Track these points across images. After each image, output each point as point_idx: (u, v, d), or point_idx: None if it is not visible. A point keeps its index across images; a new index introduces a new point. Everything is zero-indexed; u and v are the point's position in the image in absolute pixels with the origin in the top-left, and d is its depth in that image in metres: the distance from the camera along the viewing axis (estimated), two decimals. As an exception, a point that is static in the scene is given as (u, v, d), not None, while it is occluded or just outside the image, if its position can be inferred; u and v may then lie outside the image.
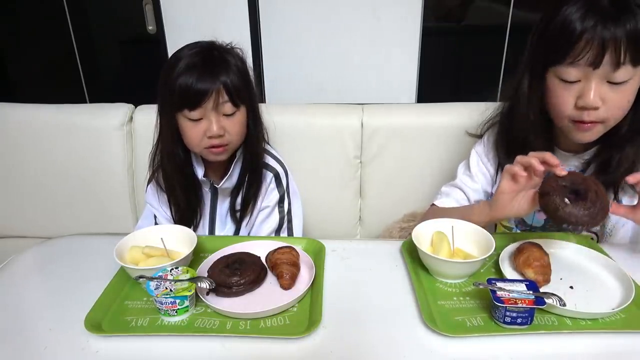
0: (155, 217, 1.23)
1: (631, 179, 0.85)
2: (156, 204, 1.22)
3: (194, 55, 1.07)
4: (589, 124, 0.93)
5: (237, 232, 1.25)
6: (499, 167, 1.12)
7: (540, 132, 1.02)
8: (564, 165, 0.98)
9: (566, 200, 0.80)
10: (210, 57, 1.08)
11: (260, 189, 1.21)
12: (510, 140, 1.07)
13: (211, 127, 1.06)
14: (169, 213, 1.21)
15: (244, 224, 1.23)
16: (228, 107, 1.08)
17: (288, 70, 2.00)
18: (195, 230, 1.20)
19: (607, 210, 0.81)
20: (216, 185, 1.18)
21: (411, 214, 1.48)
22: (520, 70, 1.02)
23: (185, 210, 1.19)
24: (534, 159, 0.87)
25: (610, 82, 0.89)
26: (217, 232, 1.25)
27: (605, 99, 0.90)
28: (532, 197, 0.91)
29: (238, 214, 1.22)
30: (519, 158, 0.90)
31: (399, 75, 1.99)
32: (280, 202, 1.25)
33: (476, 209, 1.02)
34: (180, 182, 1.16)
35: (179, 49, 1.10)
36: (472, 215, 0.99)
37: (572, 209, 0.79)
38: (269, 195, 1.23)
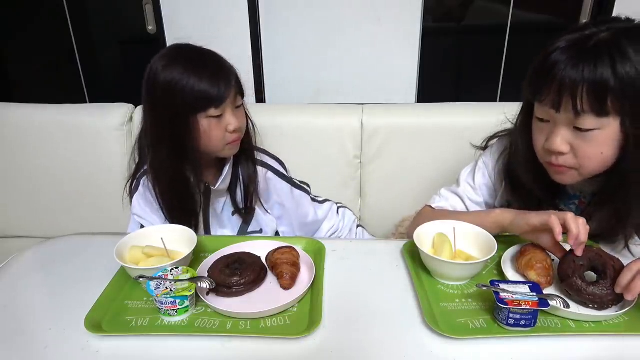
0: (142, 227, 1.17)
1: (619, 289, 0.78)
2: (146, 214, 1.18)
3: (194, 55, 1.07)
4: (560, 167, 0.90)
5: (242, 231, 1.25)
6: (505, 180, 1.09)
7: (532, 169, 0.98)
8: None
9: (586, 282, 0.80)
10: (209, 53, 1.09)
11: (256, 180, 1.23)
12: (514, 177, 1.04)
13: (232, 121, 1.08)
14: (163, 222, 1.17)
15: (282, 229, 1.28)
16: (238, 99, 1.11)
17: (288, 70, 2.00)
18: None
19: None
20: (212, 187, 1.18)
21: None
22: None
23: (181, 218, 1.15)
24: (557, 225, 0.82)
25: (578, 129, 0.85)
26: (214, 232, 1.24)
27: (573, 145, 0.86)
28: None
29: (243, 211, 1.24)
30: (543, 220, 0.84)
31: (399, 75, 1.99)
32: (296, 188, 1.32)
33: (495, 216, 0.97)
34: (176, 190, 1.13)
35: (165, 55, 1.07)
36: (488, 219, 0.97)
37: (594, 290, 0.79)
38: (276, 187, 1.27)
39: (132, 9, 2.12)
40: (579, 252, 0.82)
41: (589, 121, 0.83)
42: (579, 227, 0.81)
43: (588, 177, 0.92)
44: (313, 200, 1.36)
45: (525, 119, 0.97)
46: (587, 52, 0.81)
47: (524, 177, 1.00)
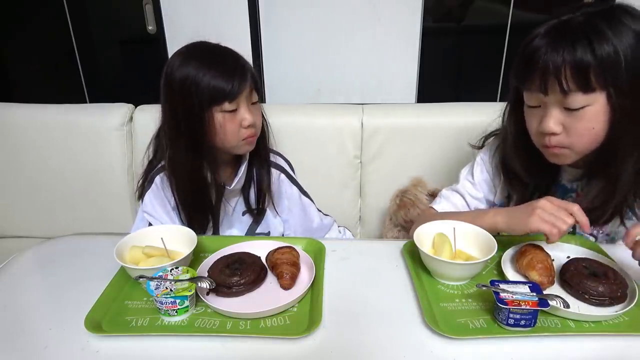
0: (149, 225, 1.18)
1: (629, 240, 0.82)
2: (156, 213, 1.17)
3: (210, 51, 1.09)
4: (554, 148, 0.92)
5: (251, 230, 1.26)
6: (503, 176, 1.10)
7: (522, 155, 1.01)
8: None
9: (588, 277, 0.83)
10: (225, 50, 1.11)
11: (270, 182, 1.23)
12: (509, 171, 1.06)
13: (247, 116, 1.08)
14: (173, 222, 1.17)
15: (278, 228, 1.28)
16: (254, 95, 1.11)
17: (288, 70, 2.00)
18: (204, 233, 1.19)
19: (627, 285, 0.82)
20: (228, 187, 1.18)
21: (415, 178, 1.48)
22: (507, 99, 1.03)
23: (196, 215, 1.16)
24: (565, 225, 0.85)
25: (567, 109, 0.88)
26: (222, 231, 1.23)
27: (565, 125, 0.89)
28: None
29: (255, 211, 1.25)
30: (549, 219, 0.86)
31: (399, 75, 1.99)
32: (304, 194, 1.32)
33: (489, 219, 0.97)
34: (193, 187, 1.13)
35: (181, 52, 1.09)
36: (483, 223, 0.96)
37: (595, 284, 0.81)
38: (287, 191, 1.28)
39: (132, 9, 2.13)
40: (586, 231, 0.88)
41: (577, 99, 0.86)
42: (581, 221, 0.86)
43: (582, 155, 0.94)
44: (318, 210, 1.37)
45: (513, 106, 1.01)
46: (565, 35, 0.85)
47: (514, 164, 1.03)
